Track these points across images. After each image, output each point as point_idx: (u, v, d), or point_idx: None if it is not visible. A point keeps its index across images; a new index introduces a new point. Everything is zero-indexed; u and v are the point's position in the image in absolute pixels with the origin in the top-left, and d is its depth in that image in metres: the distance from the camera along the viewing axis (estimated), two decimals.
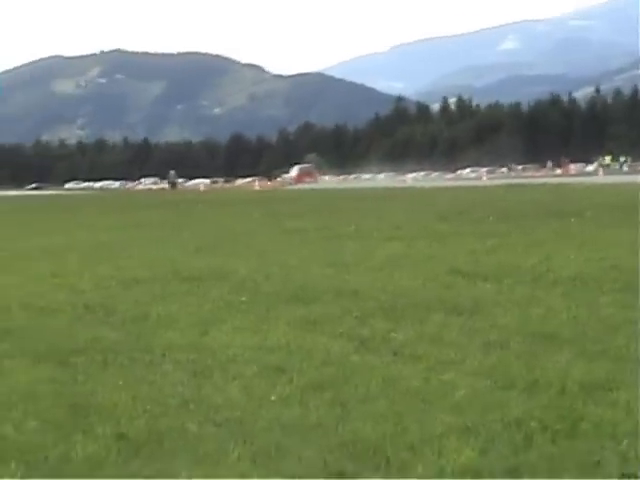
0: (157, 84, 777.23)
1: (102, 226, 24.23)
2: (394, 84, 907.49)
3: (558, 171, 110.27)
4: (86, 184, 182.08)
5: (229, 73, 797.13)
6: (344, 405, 4.99)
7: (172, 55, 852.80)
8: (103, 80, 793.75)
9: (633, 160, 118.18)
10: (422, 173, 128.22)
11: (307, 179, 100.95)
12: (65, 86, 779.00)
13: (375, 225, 19.21)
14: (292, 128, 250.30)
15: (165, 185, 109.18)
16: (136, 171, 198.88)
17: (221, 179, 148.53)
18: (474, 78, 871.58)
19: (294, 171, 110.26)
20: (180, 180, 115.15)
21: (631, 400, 4.82)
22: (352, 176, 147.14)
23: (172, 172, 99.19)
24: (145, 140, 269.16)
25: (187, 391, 5.42)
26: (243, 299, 9.01)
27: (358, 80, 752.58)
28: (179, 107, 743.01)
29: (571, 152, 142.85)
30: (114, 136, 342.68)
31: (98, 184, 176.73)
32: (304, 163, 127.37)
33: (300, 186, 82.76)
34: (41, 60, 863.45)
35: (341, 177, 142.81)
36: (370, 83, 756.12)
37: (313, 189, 65.06)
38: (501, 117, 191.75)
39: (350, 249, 14.13)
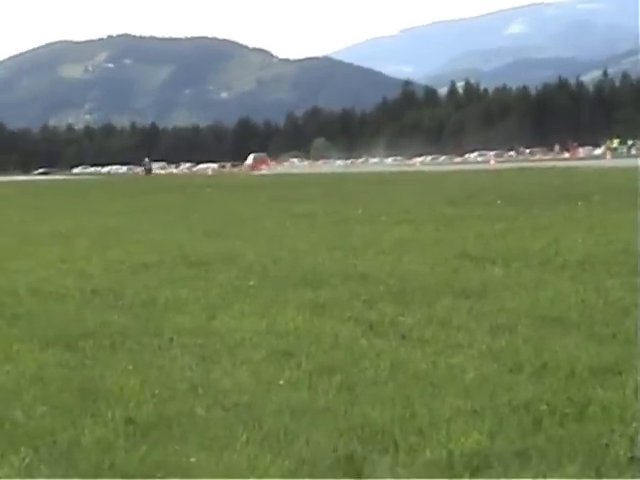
0: (165, 69, 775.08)
1: (110, 211, 24.28)
2: (403, 68, 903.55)
3: (566, 154, 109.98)
4: (93, 169, 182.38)
5: (236, 57, 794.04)
6: (352, 389, 4.99)
7: (180, 40, 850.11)
8: (111, 65, 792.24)
9: None
10: (430, 157, 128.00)
11: (261, 166, 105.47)
12: (73, 71, 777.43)
13: (383, 209, 19.18)
14: (300, 112, 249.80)
15: (140, 171, 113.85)
16: (144, 156, 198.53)
17: (229, 163, 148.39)
18: (482, 62, 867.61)
19: (249, 159, 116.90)
20: (155, 165, 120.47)
21: None
22: (360, 160, 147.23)
23: (147, 159, 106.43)
24: (153, 125, 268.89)
25: (195, 375, 5.43)
26: (251, 283, 9.02)
27: (366, 64, 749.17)
28: (187, 92, 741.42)
29: (579, 135, 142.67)
30: (122, 121, 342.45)
31: (105, 169, 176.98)
32: (313, 147, 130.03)
33: (256, 172, 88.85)
34: (49, 45, 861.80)
35: (349, 161, 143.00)
36: (378, 67, 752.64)
37: (323, 173, 64.95)
38: (509, 101, 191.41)
39: (358, 233, 14.13)
